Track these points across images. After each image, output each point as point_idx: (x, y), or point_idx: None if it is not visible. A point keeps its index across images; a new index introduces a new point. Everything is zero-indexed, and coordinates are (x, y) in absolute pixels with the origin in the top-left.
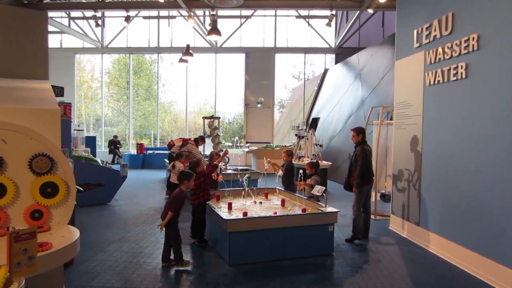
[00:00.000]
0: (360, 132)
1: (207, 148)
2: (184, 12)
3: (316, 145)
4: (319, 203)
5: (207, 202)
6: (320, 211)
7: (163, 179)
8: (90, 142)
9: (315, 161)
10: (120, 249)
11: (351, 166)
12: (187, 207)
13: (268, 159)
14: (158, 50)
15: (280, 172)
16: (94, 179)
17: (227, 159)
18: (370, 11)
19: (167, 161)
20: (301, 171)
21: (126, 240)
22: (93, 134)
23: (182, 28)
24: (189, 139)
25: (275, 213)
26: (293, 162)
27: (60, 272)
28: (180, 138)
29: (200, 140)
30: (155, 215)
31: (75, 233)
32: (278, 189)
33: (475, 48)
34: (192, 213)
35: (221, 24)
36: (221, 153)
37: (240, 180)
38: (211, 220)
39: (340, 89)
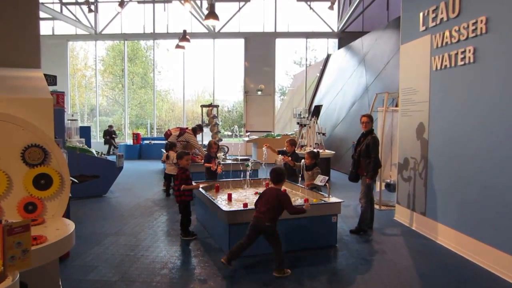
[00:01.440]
0: (372, 120)
1: (206, 138)
2: None
3: (319, 133)
4: (321, 193)
5: (201, 190)
6: (323, 202)
7: (160, 170)
8: (85, 132)
9: (315, 150)
10: (116, 242)
11: (358, 156)
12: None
13: (266, 144)
14: (154, 36)
15: (279, 158)
16: (89, 170)
17: (226, 149)
18: None
19: (164, 152)
20: (303, 161)
21: (123, 233)
22: (88, 124)
23: (178, 13)
24: (187, 128)
25: None
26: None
27: (56, 266)
28: (177, 128)
29: (198, 129)
30: (152, 207)
31: (70, 226)
32: None
33: (483, 31)
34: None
35: (219, 8)
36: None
37: (242, 168)
38: (210, 211)
39: (343, 75)
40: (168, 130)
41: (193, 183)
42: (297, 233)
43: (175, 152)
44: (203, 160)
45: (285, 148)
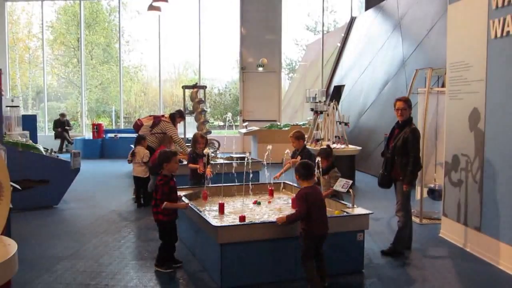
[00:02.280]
0: (411, 105)
1: (190, 130)
2: None
3: (340, 123)
4: (343, 202)
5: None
6: (345, 214)
7: (129, 173)
8: (29, 122)
9: (327, 146)
10: (73, 268)
11: (392, 154)
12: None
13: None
14: None
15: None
16: (36, 173)
17: (216, 144)
18: None
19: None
20: (318, 158)
21: (81, 256)
22: (33, 112)
23: None
24: (163, 115)
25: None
26: (309, 147)
27: None
28: (150, 116)
29: (178, 116)
30: (119, 222)
31: (11, 246)
32: (286, 184)
33: None
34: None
35: None
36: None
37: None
38: (196, 227)
39: (372, 46)
40: (138, 120)
41: (183, 200)
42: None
43: (144, 147)
44: (186, 160)
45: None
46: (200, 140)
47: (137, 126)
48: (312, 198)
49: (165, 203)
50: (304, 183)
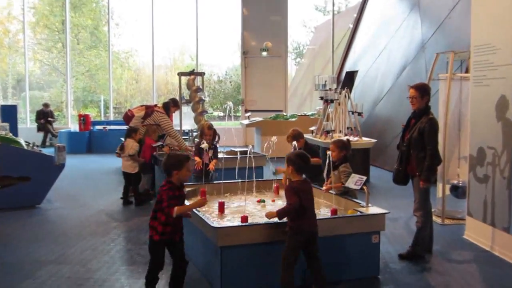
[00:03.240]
0: (425, 93)
1: (186, 120)
2: None
3: (353, 113)
4: (356, 200)
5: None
6: (359, 214)
7: (119, 168)
8: (9, 114)
9: (345, 138)
10: (57, 274)
11: (408, 147)
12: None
13: (277, 167)
14: None
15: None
16: (16, 169)
17: (216, 137)
18: None
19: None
20: (329, 153)
21: (67, 260)
22: (13, 102)
23: None
24: (155, 105)
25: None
26: (319, 139)
27: None
28: (142, 106)
29: (172, 106)
30: (108, 223)
31: None
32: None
33: None
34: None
35: None
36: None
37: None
38: (193, 228)
39: (388, 27)
40: (129, 110)
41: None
42: (322, 259)
43: (135, 140)
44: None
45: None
46: (208, 131)
47: (128, 117)
48: (304, 192)
49: (175, 208)
50: (296, 176)
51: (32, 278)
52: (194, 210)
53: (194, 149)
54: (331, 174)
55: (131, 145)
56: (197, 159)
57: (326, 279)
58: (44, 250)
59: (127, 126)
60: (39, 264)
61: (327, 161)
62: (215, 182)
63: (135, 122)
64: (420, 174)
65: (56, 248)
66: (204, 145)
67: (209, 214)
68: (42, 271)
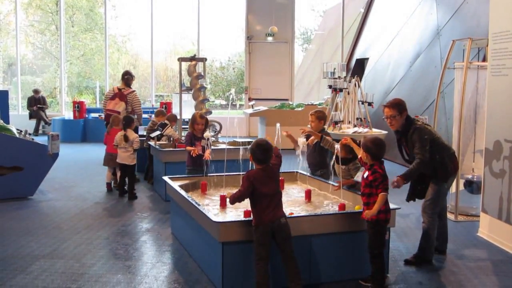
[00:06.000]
0: (403, 108)
1: (186, 109)
2: None
3: (363, 102)
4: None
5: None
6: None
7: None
8: (0, 100)
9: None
10: (50, 269)
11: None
12: None
13: (285, 131)
14: None
15: (300, 147)
16: (8, 159)
17: (218, 127)
18: None
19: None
20: (337, 146)
21: (60, 255)
22: (4, 87)
23: None
24: (120, 89)
25: (292, 213)
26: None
27: None
28: (112, 99)
29: (131, 79)
30: (104, 216)
31: None
32: (299, 173)
33: None
34: None
35: None
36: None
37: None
38: (193, 223)
39: (401, 12)
40: (106, 109)
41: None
42: (327, 257)
43: (132, 129)
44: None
45: (309, 125)
46: (199, 121)
47: (110, 117)
48: (259, 180)
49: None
50: (258, 166)
51: (24, 273)
52: (195, 205)
53: (185, 139)
54: (337, 167)
55: (133, 137)
56: (189, 148)
57: (301, 280)
58: (37, 244)
59: (120, 116)
60: (31, 259)
61: (334, 156)
62: (216, 174)
63: (123, 114)
64: (433, 176)
65: (49, 241)
66: (206, 133)
67: (210, 207)
68: (34, 265)
